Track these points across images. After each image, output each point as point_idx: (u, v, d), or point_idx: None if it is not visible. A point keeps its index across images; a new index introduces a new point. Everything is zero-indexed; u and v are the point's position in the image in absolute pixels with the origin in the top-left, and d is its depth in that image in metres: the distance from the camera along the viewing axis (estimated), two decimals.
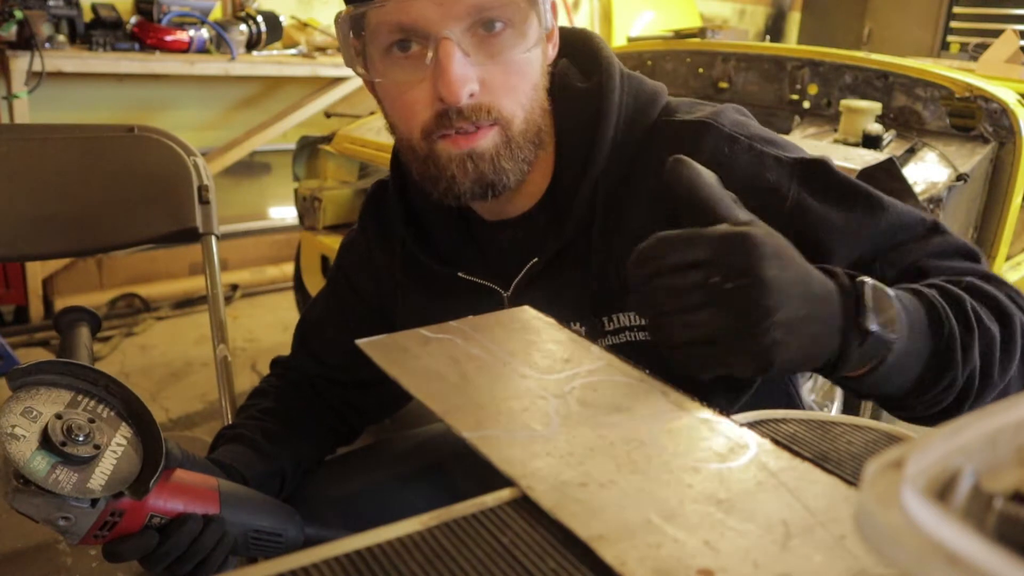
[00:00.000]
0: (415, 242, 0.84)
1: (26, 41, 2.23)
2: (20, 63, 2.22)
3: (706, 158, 0.71)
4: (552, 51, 0.78)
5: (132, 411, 0.63)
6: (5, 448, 0.55)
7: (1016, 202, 1.82)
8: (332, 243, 1.99)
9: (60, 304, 2.54)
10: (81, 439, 0.58)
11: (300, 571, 0.35)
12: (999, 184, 1.80)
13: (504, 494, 0.41)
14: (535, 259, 0.78)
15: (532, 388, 0.52)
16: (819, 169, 0.72)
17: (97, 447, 0.59)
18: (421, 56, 0.68)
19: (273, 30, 2.80)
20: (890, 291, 0.56)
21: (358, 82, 2.91)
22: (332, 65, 2.86)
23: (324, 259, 2.03)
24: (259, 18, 2.75)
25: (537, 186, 0.79)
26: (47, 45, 2.29)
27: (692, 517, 0.39)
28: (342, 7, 0.75)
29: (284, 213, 3.19)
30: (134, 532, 0.62)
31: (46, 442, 0.57)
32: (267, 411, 0.91)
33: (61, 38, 2.35)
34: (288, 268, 2.91)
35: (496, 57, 0.69)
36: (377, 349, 0.62)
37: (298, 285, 2.26)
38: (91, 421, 0.60)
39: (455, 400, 0.51)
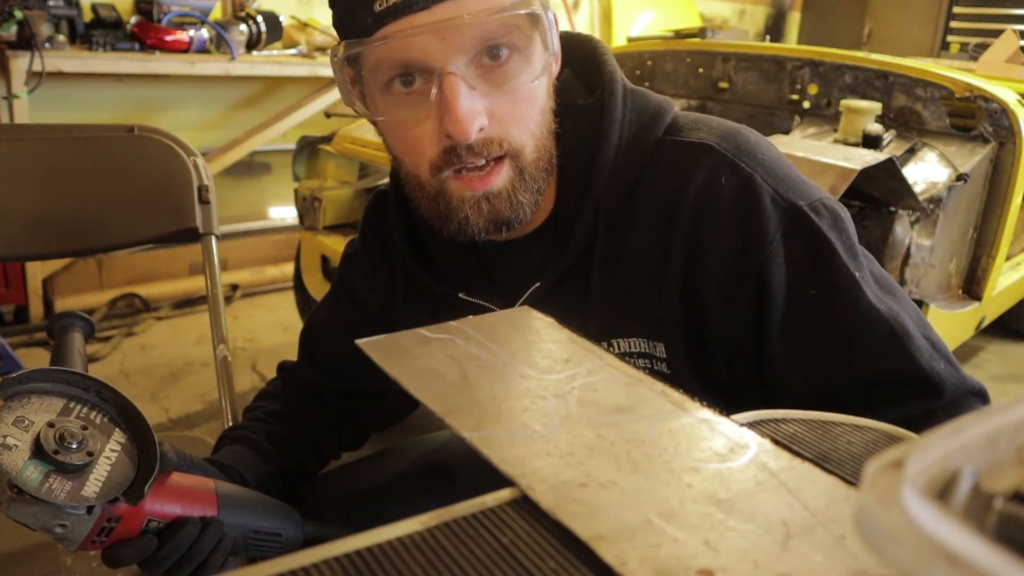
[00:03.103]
0: (415, 261, 0.83)
1: (26, 41, 2.22)
2: (20, 63, 2.22)
3: (700, 183, 0.70)
4: (556, 66, 0.75)
5: (126, 416, 0.63)
6: None
7: (1016, 202, 1.82)
8: (332, 243, 1.99)
9: (60, 304, 2.54)
10: (74, 447, 0.58)
11: (300, 571, 0.35)
12: (999, 184, 1.80)
13: (504, 494, 0.41)
14: (537, 284, 0.77)
15: (532, 388, 0.52)
16: (806, 228, 0.69)
17: (90, 454, 0.59)
18: (425, 92, 0.66)
19: (273, 30, 2.79)
20: None
21: None
22: None
23: (324, 259, 2.03)
24: (259, 18, 2.75)
25: (543, 208, 0.77)
26: (47, 45, 2.29)
27: (692, 517, 0.39)
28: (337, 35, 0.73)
29: (284, 213, 3.18)
30: (132, 537, 0.62)
31: (39, 451, 0.57)
32: (272, 413, 0.91)
33: (61, 38, 2.35)
34: (288, 268, 2.91)
35: (503, 87, 0.66)
36: (377, 349, 0.62)
37: (298, 285, 2.26)
38: (84, 428, 0.60)
39: (455, 400, 0.51)
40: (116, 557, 0.62)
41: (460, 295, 0.81)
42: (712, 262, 0.70)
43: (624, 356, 0.75)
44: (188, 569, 0.65)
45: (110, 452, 0.60)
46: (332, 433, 0.95)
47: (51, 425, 0.58)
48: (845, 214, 0.72)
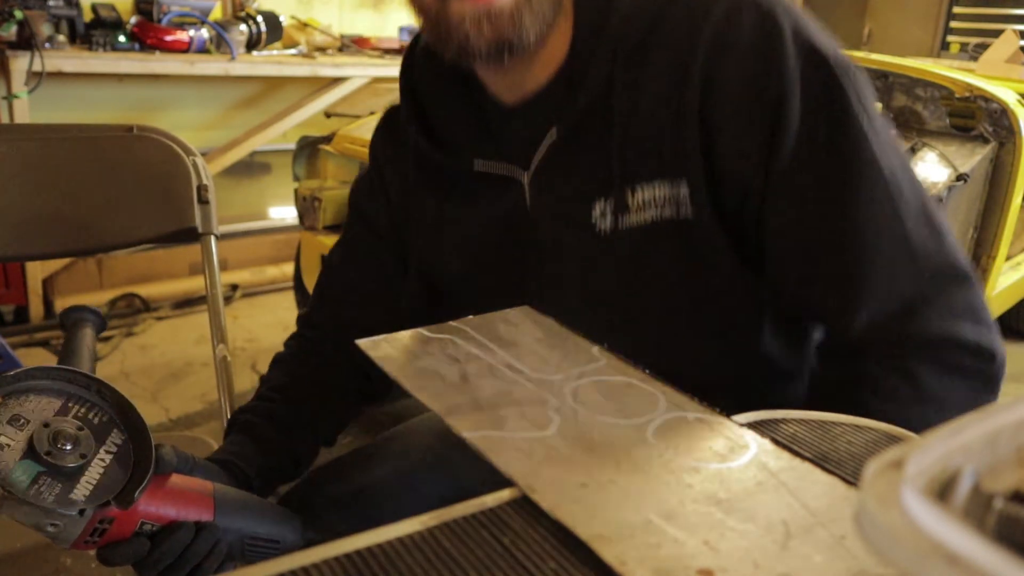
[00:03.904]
0: (427, 140, 0.81)
1: (26, 41, 2.22)
2: (20, 63, 2.22)
3: (720, 15, 0.69)
4: None
5: (125, 417, 0.63)
6: None
7: (1016, 202, 1.82)
8: (332, 243, 1.98)
9: (60, 304, 2.54)
10: (68, 448, 0.58)
11: (300, 571, 0.35)
12: (999, 184, 1.80)
13: (504, 494, 0.41)
14: (553, 135, 0.75)
15: (532, 388, 0.52)
16: (825, 69, 0.67)
17: (84, 456, 0.59)
18: None
19: (273, 30, 2.79)
20: None
21: (358, 82, 2.91)
22: (332, 65, 2.86)
23: (324, 259, 2.03)
24: (259, 18, 2.75)
25: (554, 56, 0.75)
26: (47, 45, 2.29)
27: (692, 517, 0.39)
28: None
29: (284, 213, 3.18)
30: (125, 538, 0.62)
31: (31, 452, 0.56)
32: (281, 388, 0.90)
33: (61, 38, 2.35)
34: (288, 268, 2.91)
35: None
36: (376, 349, 0.62)
37: (298, 285, 2.26)
38: (80, 429, 0.60)
39: (455, 400, 0.51)
40: (109, 557, 0.62)
41: (475, 165, 0.79)
42: (730, 89, 0.69)
43: (650, 205, 0.73)
44: (182, 573, 0.65)
45: (105, 454, 0.60)
46: (351, 389, 0.93)
47: (46, 425, 0.58)
48: (861, 73, 0.71)
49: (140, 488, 0.59)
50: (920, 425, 0.68)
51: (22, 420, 0.58)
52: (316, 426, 0.90)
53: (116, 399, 0.63)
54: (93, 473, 0.59)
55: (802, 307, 0.75)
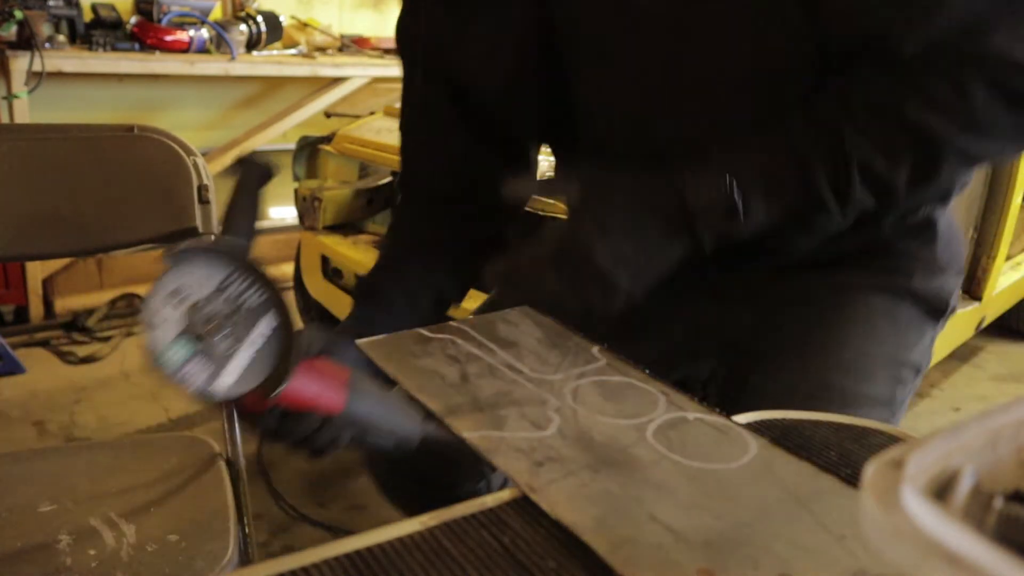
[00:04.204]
0: None
1: (26, 41, 2.22)
2: (20, 63, 2.22)
3: None
4: None
5: (277, 301, 0.61)
6: (146, 333, 0.54)
7: (1016, 202, 1.82)
8: (332, 243, 1.98)
9: (60, 304, 2.54)
10: (221, 332, 0.57)
11: (300, 571, 0.35)
12: (999, 184, 1.80)
13: (504, 494, 0.41)
14: None
15: (532, 388, 0.53)
16: None
17: (236, 340, 0.57)
18: None
19: (273, 30, 2.79)
20: (725, 170, 0.60)
21: (358, 82, 2.91)
22: (332, 65, 2.86)
23: (324, 259, 2.03)
24: (259, 18, 2.75)
25: None
26: (47, 45, 2.29)
27: (692, 517, 0.39)
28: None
29: (284, 213, 3.18)
30: (260, 412, 0.63)
31: (186, 330, 0.56)
32: (399, 252, 0.90)
33: (61, 38, 2.35)
34: (288, 268, 2.90)
35: None
36: (377, 349, 0.62)
37: (298, 285, 2.26)
38: (235, 310, 0.58)
39: (455, 400, 0.52)
40: (244, 423, 0.64)
41: None
42: None
43: None
44: (302, 452, 0.67)
45: (254, 341, 0.58)
46: (466, 246, 0.92)
47: (203, 304, 0.57)
48: None
49: (281, 385, 0.58)
50: (952, 151, 0.63)
51: (182, 295, 0.56)
52: (440, 287, 0.89)
53: (269, 282, 0.62)
54: (241, 359, 0.57)
55: (863, 30, 0.67)
